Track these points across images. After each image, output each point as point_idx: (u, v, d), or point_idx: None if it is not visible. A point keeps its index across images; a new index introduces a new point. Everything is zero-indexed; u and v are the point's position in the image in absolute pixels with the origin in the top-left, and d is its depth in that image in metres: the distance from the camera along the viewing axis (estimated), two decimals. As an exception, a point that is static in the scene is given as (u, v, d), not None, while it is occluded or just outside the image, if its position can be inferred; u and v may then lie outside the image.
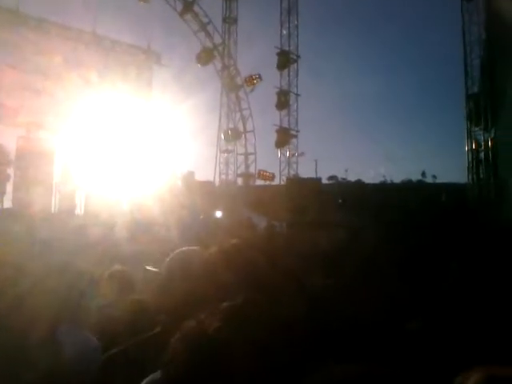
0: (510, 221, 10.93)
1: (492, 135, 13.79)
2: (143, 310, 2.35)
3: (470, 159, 14.32)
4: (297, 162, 18.48)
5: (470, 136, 14.38)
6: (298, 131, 18.38)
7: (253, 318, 1.19)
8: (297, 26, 18.56)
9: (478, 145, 14.18)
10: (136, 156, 16.08)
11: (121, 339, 2.06)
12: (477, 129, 14.28)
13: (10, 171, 13.42)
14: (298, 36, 18.48)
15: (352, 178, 18.40)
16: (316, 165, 19.85)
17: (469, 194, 14.23)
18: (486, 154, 13.92)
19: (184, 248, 2.17)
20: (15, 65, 14.55)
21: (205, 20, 18.81)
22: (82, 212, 12.90)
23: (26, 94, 14.83)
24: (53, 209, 13.63)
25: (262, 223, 10.04)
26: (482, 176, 14.07)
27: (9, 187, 13.32)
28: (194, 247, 2.18)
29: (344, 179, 18.41)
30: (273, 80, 18.40)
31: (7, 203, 13.09)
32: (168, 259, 2.10)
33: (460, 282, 2.41)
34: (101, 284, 2.63)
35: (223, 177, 19.75)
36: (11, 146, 13.89)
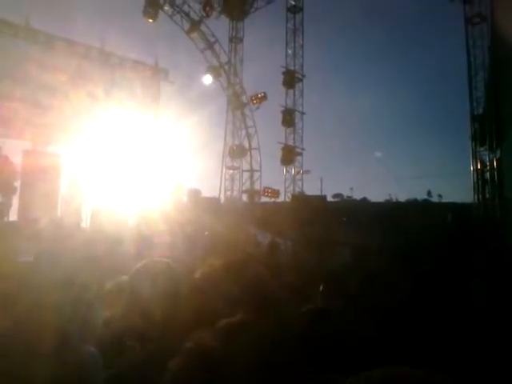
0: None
1: (497, 155, 13.81)
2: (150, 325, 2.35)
3: (476, 179, 14.33)
4: (302, 180, 18.54)
5: (475, 156, 14.42)
6: (303, 149, 18.48)
7: (252, 337, 1.18)
8: (302, 46, 18.81)
9: (484, 165, 14.20)
10: (142, 171, 16.16)
11: (128, 354, 2.05)
12: (482, 149, 14.33)
13: (17, 184, 13.49)
14: (303, 55, 18.72)
15: (357, 196, 18.42)
16: (321, 183, 19.91)
17: (474, 213, 14.20)
18: (492, 174, 13.93)
19: (150, 260, 2.12)
20: (23, 80, 14.71)
21: (211, 39, 19.07)
22: (88, 226, 12.91)
23: (33, 110, 14.98)
24: (59, 223, 13.64)
25: (266, 240, 10.02)
26: (487, 196, 14.06)
27: (15, 200, 13.37)
28: (161, 259, 2.14)
29: (349, 197, 18.43)
30: (278, 98, 18.60)
31: (13, 216, 13.12)
32: (135, 271, 2.05)
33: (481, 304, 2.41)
34: (108, 297, 2.63)
35: (228, 193, 19.81)
36: (18, 159, 13.99)
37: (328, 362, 1.45)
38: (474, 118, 14.54)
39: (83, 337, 2.15)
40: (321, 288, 2.84)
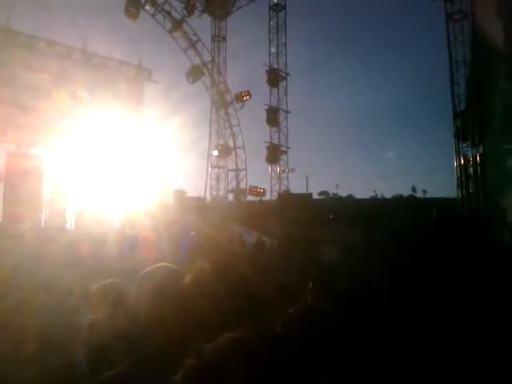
0: (499, 234, 11.02)
1: (480, 151, 13.96)
2: (135, 326, 2.32)
3: (459, 175, 14.48)
4: (287, 178, 18.58)
5: (459, 152, 14.57)
6: (288, 147, 18.50)
7: (257, 353, 1.17)
8: (285, 44, 18.84)
9: (467, 160, 14.35)
10: (127, 172, 16.03)
11: (113, 357, 2.02)
12: (465, 145, 14.48)
13: (0, 187, 13.32)
14: (286, 54, 18.76)
15: (343, 193, 18.52)
16: (307, 180, 19.97)
17: (459, 208, 14.35)
18: (475, 170, 14.08)
19: (158, 265, 2.09)
20: (5, 81, 14.49)
21: (194, 38, 18.99)
22: (73, 228, 12.79)
23: (15, 111, 14.77)
24: (43, 224, 13.52)
25: (252, 239, 10.02)
26: (471, 191, 14.22)
27: (-2, 203, 13.21)
28: (168, 265, 2.11)
29: (335, 194, 18.53)
30: (262, 97, 18.61)
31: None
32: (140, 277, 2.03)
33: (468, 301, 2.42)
34: (92, 299, 2.59)
35: (214, 193, 19.75)
36: (1, 161, 13.81)
37: (316, 364, 1.43)
38: (456, 115, 14.68)
39: (67, 341, 2.12)
40: (309, 287, 2.83)
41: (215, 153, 19.47)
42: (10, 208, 13.10)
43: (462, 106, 14.67)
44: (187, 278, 1.80)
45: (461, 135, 14.42)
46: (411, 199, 16.46)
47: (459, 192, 14.51)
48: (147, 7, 17.68)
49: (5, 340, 1.92)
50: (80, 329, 2.26)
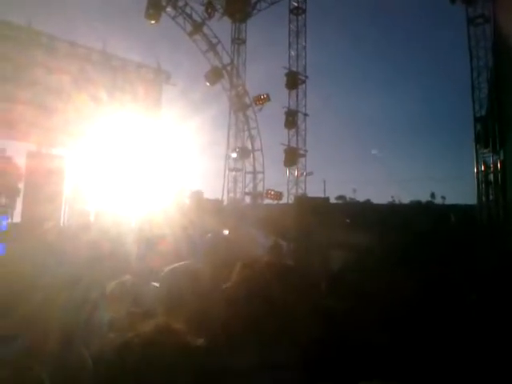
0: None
1: (501, 157, 13.77)
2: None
3: (479, 181, 14.29)
4: (305, 182, 18.54)
5: (479, 158, 14.39)
6: (306, 151, 18.47)
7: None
8: (305, 47, 18.83)
9: (487, 167, 14.16)
10: (146, 173, 16.18)
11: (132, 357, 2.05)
12: (485, 151, 14.29)
13: (21, 186, 13.54)
14: (305, 57, 18.75)
15: (360, 198, 18.40)
16: (324, 184, 19.90)
17: (478, 215, 14.16)
18: (495, 176, 13.89)
19: (178, 264, 2.11)
20: (27, 83, 14.75)
21: (214, 41, 19.11)
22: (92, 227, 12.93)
23: (37, 113, 15.01)
24: (62, 224, 13.69)
25: (269, 242, 10.00)
26: (491, 198, 14.03)
27: (19, 202, 13.42)
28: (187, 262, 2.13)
29: (352, 199, 18.41)
30: (281, 100, 18.62)
31: (16, 218, 13.17)
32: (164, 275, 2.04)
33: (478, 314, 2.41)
34: (111, 296, 2.63)
35: (231, 195, 19.80)
36: (22, 161, 14.05)
37: (333, 366, 1.45)
38: (476, 120, 14.51)
39: (88, 338, 2.16)
40: (324, 290, 2.84)
41: (233, 155, 19.54)
42: (30, 208, 13.30)
43: (483, 112, 14.50)
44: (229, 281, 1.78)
45: (481, 141, 14.24)
46: (429, 205, 16.28)
47: (479, 199, 14.33)
48: (168, 10, 17.87)
49: (29, 338, 1.96)
50: (100, 325, 2.31)
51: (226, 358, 1.44)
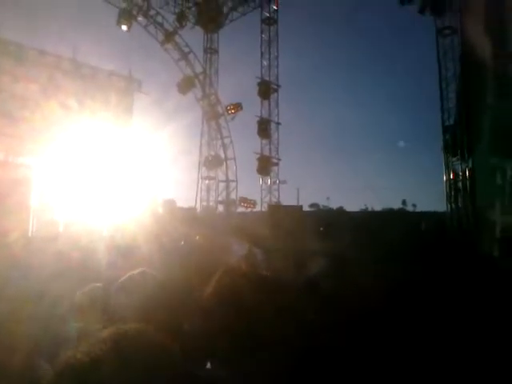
0: (488, 249, 11.07)
1: (469, 166, 14.08)
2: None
3: (449, 189, 14.58)
4: (278, 190, 18.57)
5: (448, 166, 14.69)
6: (279, 159, 18.52)
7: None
8: (277, 57, 18.94)
9: (456, 175, 14.46)
10: (117, 182, 15.94)
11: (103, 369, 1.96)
12: (454, 159, 14.60)
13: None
14: (278, 66, 18.86)
15: (333, 205, 18.57)
16: (298, 192, 19.99)
17: (448, 222, 14.42)
18: (464, 184, 14.19)
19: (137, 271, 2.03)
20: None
21: (186, 50, 19.06)
22: (61, 237, 12.63)
23: (3, 121, 14.64)
24: (30, 234, 13.34)
25: (243, 250, 9.95)
26: (460, 205, 14.32)
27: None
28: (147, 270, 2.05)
29: (325, 207, 18.56)
30: (254, 109, 18.67)
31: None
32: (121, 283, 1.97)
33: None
34: (80, 305, 2.53)
35: (204, 203, 19.69)
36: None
37: (306, 375, 1.42)
38: (445, 129, 14.83)
39: (54, 353, 2.06)
40: (298, 299, 2.80)
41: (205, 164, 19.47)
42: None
43: (451, 121, 14.83)
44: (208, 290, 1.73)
45: (450, 150, 14.54)
46: (401, 212, 16.53)
47: (448, 206, 14.60)
48: (139, 18, 17.74)
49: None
50: (69, 338, 2.21)
51: (200, 365, 1.40)
